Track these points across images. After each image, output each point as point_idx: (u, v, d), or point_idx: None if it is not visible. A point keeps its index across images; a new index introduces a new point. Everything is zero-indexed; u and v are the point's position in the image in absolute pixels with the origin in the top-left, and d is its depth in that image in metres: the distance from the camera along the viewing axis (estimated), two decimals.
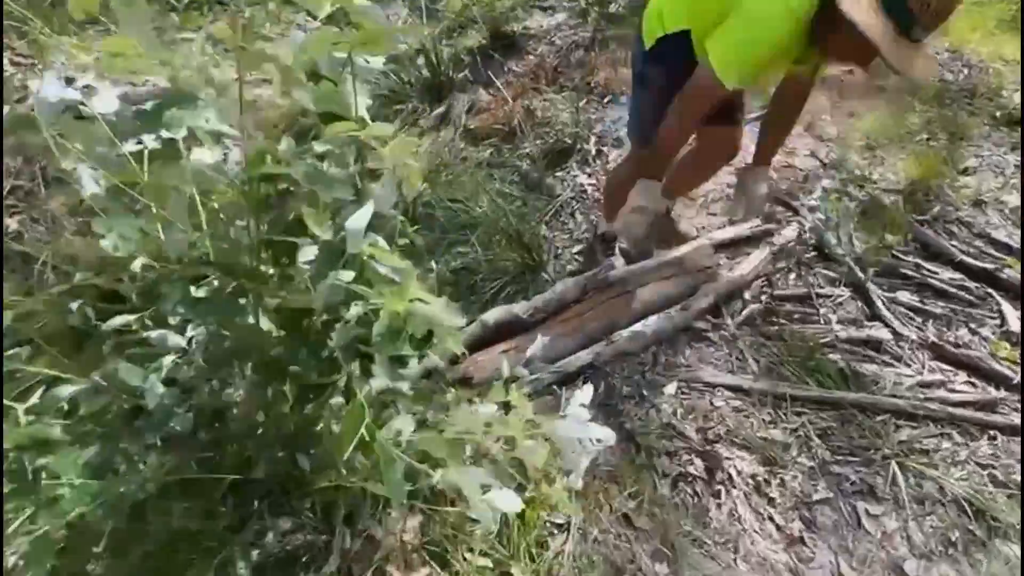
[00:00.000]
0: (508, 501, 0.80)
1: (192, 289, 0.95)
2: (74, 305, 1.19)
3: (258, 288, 0.90)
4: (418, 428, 1.15)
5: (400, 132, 3.27)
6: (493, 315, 1.90)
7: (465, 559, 1.24)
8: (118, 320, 1.17)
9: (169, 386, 1.15)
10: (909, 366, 1.95)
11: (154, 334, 1.09)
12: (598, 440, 0.84)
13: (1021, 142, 2.79)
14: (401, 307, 0.77)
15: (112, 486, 1.01)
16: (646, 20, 1.67)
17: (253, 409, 1.01)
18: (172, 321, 1.12)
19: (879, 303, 2.12)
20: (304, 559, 1.17)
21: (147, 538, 1.00)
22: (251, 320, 0.96)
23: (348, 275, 0.90)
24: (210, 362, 1.07)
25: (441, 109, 3.66)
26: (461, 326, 0.86)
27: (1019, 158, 2.74)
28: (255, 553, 1.09)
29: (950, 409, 1.78)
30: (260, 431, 1.02)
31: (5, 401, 0.97)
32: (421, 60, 3.69)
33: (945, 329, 2.07)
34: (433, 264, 2.29)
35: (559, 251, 2.59)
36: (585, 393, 0.86)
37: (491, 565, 1.23)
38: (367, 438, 0.83)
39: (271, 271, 0.94)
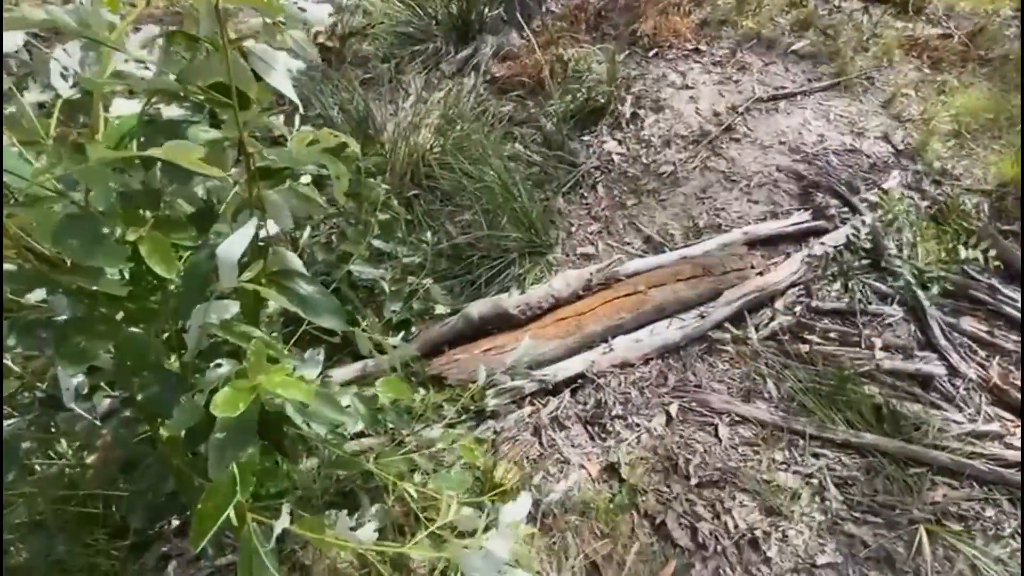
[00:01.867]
0: None
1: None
2: None
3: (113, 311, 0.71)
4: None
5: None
6: (479, 308, 1.70)
7: None
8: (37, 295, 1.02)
9: (88, 374, 1.02)
10: (961, 410, 1.66)
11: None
12: None
13: (1021, 143, 2.28)
14: (239, 406, 0.56)
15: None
16: None
17: (122, 443, 0.86)
18: None
19: (936, 329, 1.80)
20: None
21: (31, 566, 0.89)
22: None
23: (228, 308, 0.70)
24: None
25: (466, 52, 3.31)
26: (343, 426, 0.65)
27: None
28: None
29: (1002, 470, 1.51)
30: (137, 467, 0.87)
31: None
32: None
33: (1013, 370, 1.74)
34: (428, 235, 2.08)
35: (573, 230, 2.32)
36: (520, 507, 0.66)
37: None
38: (234, 522, 0.66)
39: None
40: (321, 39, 3.28)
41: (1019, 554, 1.40)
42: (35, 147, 0.80)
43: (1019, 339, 1.80)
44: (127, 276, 0.70)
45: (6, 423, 1.19)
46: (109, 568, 0.98)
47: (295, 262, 0.72)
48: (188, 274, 0.65)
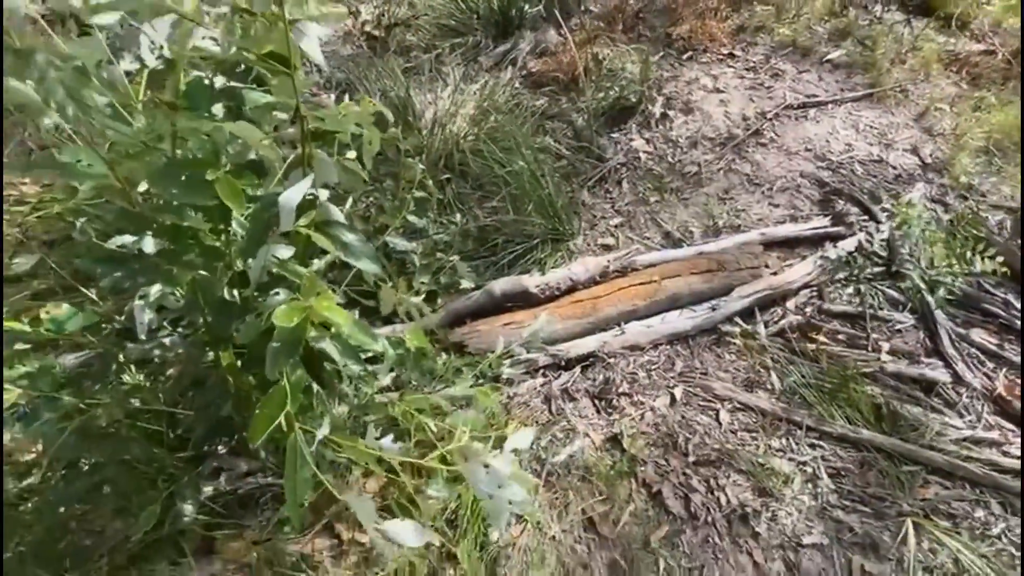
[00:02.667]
0: (407, 534, 0.74)
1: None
2: (79, 222, 1.21)
3: (184, 250, 0.85)
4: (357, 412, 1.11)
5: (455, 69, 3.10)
6: (501, 285, 1.81)
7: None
8: (118, 240, 1.18)
9: (158, 312, 1.17)
10: (962, 416, 1.70)
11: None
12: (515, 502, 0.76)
13: (1021, 146, 2.26)
14: (294, 320, 0.69)
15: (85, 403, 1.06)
16: None
17: (191, 366, 1.00)
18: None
19: (945, 338, 1.85)
20: (257, 501, 1.20)
21: (105, 464, 1.04)
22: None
23: (286, 252, 0.83)
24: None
25: (505, 46, 3.43)
26: (377, 350, 0.77)
27: None
28: (208, 489, 1.12)
29: (996, 475, 1.55)
30: (203, 387, 1.01)
31: None
32: None
33: (1020, 382, 1.77)
34: (457, 216, 2.20)
35: (595, 221, 2.41)
36: (523, 438, 0.77)
37: (436, 543, 1.22)
38: (284, 428, 0.79)
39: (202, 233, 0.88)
40: (368, 28, 3.44)
41: (1003, 553, 1.45)
42: (128, 109, 0.95)
43: None
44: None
45: (70, 358, 1.36)
46: (169, 475, 1.13)
47: (339, 215, 0.84)
48: (254, 217, 0.78)
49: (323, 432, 0.78)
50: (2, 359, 1.07)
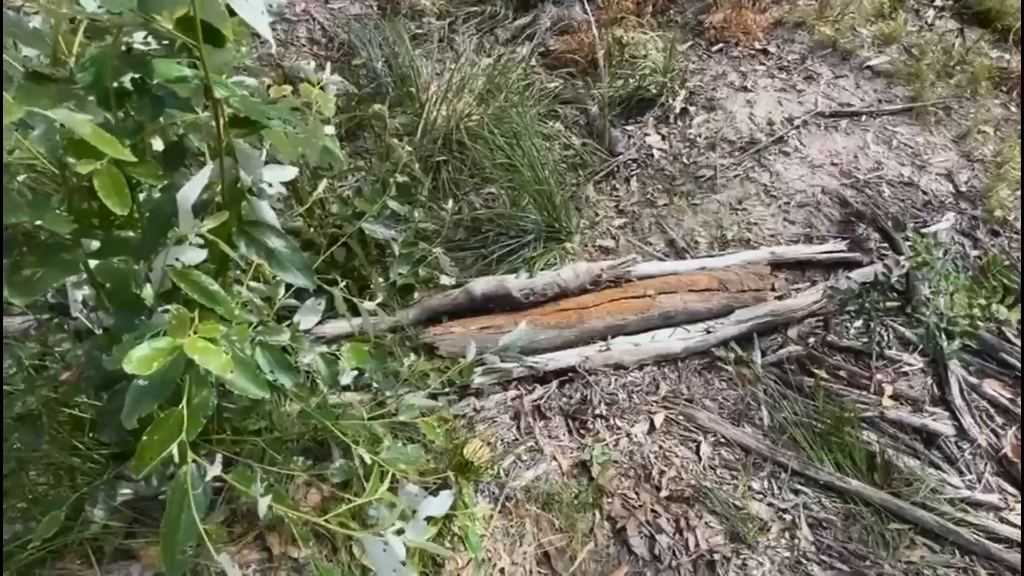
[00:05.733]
0: None
1: None
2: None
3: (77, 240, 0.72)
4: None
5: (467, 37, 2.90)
6: (482, 285, 1.69)
7: (351, 553, 1.14)
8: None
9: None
10: (962, 475, 1.58)
11: None
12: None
13: (1021, 151, 2.07)
14: (152, 367, 0.56)
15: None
16: None
17: (92, 367, 0.89)
18: None
19: (955, 387, 1.71)
20: None
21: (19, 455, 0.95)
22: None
23: (195, 256, 0.70)
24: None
25: (525, 20, 3.22)
26: (260, 397, 0.65)
27: None
28: (126, 491, 1.03)
29: (989, 543, 1.44)
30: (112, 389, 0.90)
31: None
32: None
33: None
34: (449, 203, 2.07)
35: (597, 220, 2.27)
36: (441, 503, 0.66)
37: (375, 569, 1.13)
38: (176, 458, 0.68)
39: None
40: None
41: None
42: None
43: None
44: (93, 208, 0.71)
45: (16, 321, 1.27)
46: (88, 470, 1.04)
47: (268, 214, 0.72)
48: (152, 214, 0.66)
49: (214, 472, 0.67)
50: (2, 359, 0.98)
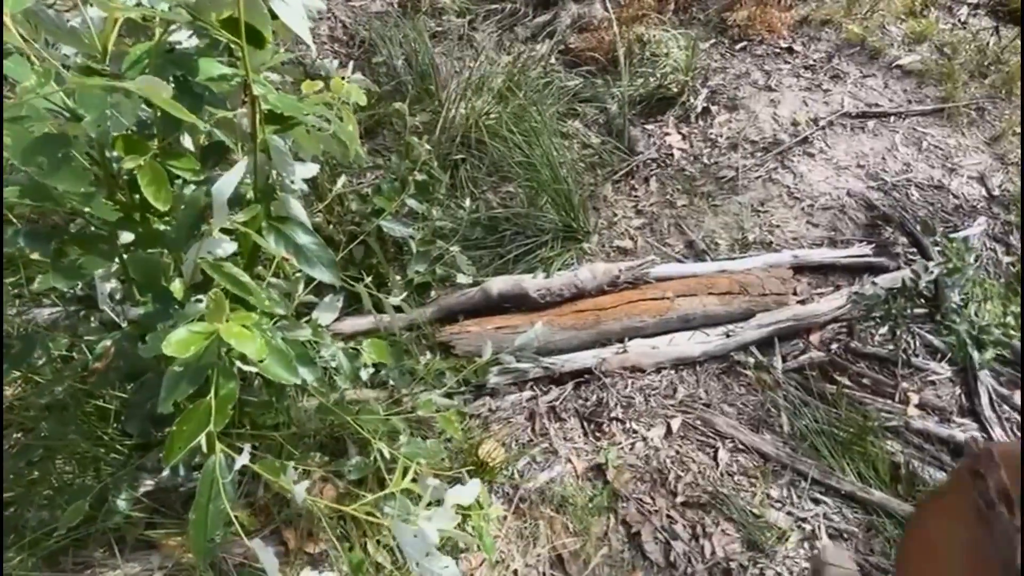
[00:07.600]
0: None
1: None
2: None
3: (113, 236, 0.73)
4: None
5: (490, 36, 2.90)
6: (499, 284, 1.68)
7: (366, 549, 1.15)
8: None
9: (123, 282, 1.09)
10: None
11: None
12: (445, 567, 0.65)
13: (1021, 150, 1.96)
14: (190, 350, 0.57)
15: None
16: None
17: (120, 359, 0.90)
18: None
19: (984, 397, 1.66)
20: None
21: (43, 445, 0.97)
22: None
23: (225, 249, 0.71)
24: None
25: (545, 17, 3.20)
26: (297, 382, 0.66)
27: None
28: (149, 483, 1.04)
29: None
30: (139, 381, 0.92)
31: None
32: None
33: None
34: (467, 201, 2.06)
35: (615, 220, 2.25)
36: (468, 491, 0.66)
37: (388, 565, 1.13)
38: (204, 448, 0.69)
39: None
40: None
41: None
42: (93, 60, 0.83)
43: None
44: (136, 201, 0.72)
45: (45, 312, 1.30)
46: (112, 460, 1.06)
47: (298, 210, 0.72)
48: (186, 207, 0.67)
49: (242, 460, 0.67)
50: (2, 359, 1.00)
